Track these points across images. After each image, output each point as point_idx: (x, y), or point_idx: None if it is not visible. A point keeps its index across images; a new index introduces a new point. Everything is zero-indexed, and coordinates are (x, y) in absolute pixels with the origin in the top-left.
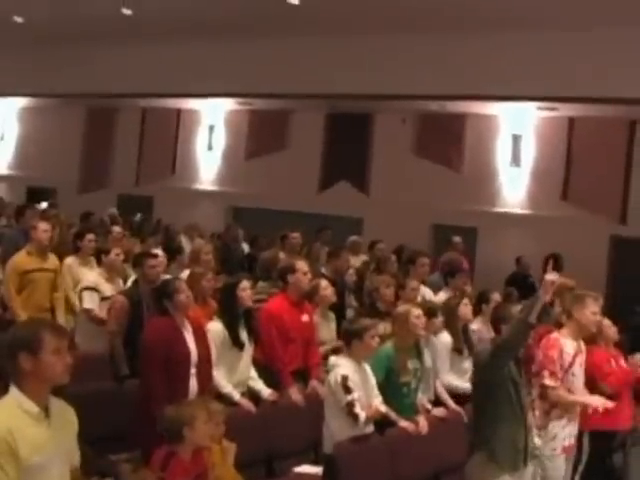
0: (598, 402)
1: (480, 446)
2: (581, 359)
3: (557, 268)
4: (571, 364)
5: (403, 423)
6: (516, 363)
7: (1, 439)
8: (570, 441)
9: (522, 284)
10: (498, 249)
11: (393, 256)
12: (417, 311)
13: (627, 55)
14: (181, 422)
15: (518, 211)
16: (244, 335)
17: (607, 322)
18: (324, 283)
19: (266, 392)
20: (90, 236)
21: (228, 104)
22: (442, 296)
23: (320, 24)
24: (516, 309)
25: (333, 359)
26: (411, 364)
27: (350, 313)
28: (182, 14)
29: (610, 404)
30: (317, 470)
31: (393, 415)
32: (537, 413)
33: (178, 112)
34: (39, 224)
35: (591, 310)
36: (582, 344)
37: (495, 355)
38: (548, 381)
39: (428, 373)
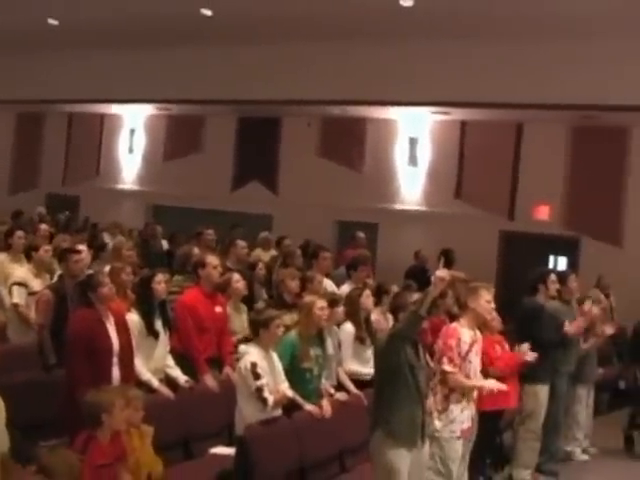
0: (493, 385)
1: (379, 424)
2: (477, 347)
3: (449, 262)
4: (468, 352)
5: (308, 407)
6: (414, 348)
7: None
8: (468, 424)
9: (420, 277)
10: (397, 244)
11: (298, 250)
12: (321, 303)
13: (513, 63)
14: (99, 408)
15: (415, 208)
16: (159, 325)
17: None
18: (236, 277)
19: (182, 379)
20: (19, 233)
21: (147, 109)
22: (345, 288)
23: (232, 34)
24: (412, 297)
25: (243, 347)
26: (313, 351)
27: (260, 305)
28: (104, 25)
29: (503, 387)
30: (230, 451)
31: (299, 399)
32: (438, 397)
33: (102, 117)
34: None
35: (485, 299)
36: (478, 333)
37: (390, 342)
38: (447, 367)
39: (331, 360)
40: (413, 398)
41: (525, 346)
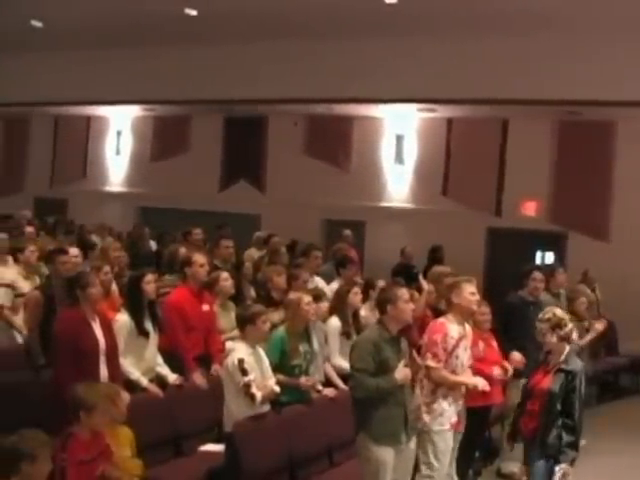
0: (476, 383)
1: (362, 427)
2: (466, 342)
3: (439, 259)
4: (455, 347)
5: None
6: (394, 345)
7: None
8: (456, 418)
9: (407, 274)
10: (385, 241)
11: (283, 248)
12: (308, 298)
13: (498, 59)
14: (80, 406)
15: (402, 206)
16: (149, 325)
17: (484, 309)
18: (224, 275)
19: (172, 377)
20: (1, 235)
21: (134, 111)
22: (334, 286)
23: (217, 33)
24: (400, 291)
25: (230, 344)
26: (302, 347)
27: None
28: (89, 26)
29: (487, 387)
30: (220, 448)
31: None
32: (425, 391)
33: (88, 119)
34: None
35: (469, 291)
36: (467, 328)
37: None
38: (430, 362)
39: (317, 356)
40: (394, 398)
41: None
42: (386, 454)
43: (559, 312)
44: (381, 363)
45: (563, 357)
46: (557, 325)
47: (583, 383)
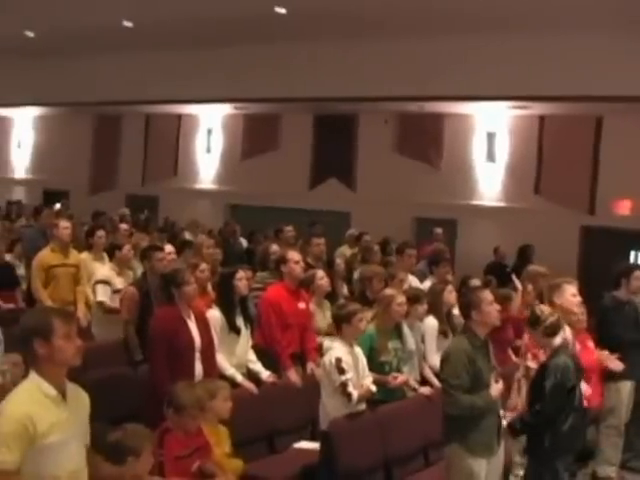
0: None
1: (454, 437)
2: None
3: (527, 258)
4: None
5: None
6: (483, 350)
7: (19, 422)
8: None
9: (499, 273)
10: (476, 240)
11: (376, 246)
12: (401, 298)
13: (592, 55)
14: (172, 403)
15: (494, 204)
16: (240, 321)
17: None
18: (320, 273)
19: (265, 374)
20: (100, 232)
21: (224, 109)
22: (427, 284)
23: (306, 31)
24: (483, 294)
25: (327, 342)
26: (391, 344)
27: (342, 301)
28: (179, 25)
29: (589, 390)
30: (314, 446)
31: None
32: (522, 392)
33: (179, 117)
34: (60, 222)
35: (570, 293)
36: (568, 329)
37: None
38: (530, 363)
39: (412, 355)
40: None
41: (605, 353)
42: (479, 465)
43: (536, 309)
44: (475, 375)
45: (550, 353)
46: (535, 322)
47: (558, 378)
